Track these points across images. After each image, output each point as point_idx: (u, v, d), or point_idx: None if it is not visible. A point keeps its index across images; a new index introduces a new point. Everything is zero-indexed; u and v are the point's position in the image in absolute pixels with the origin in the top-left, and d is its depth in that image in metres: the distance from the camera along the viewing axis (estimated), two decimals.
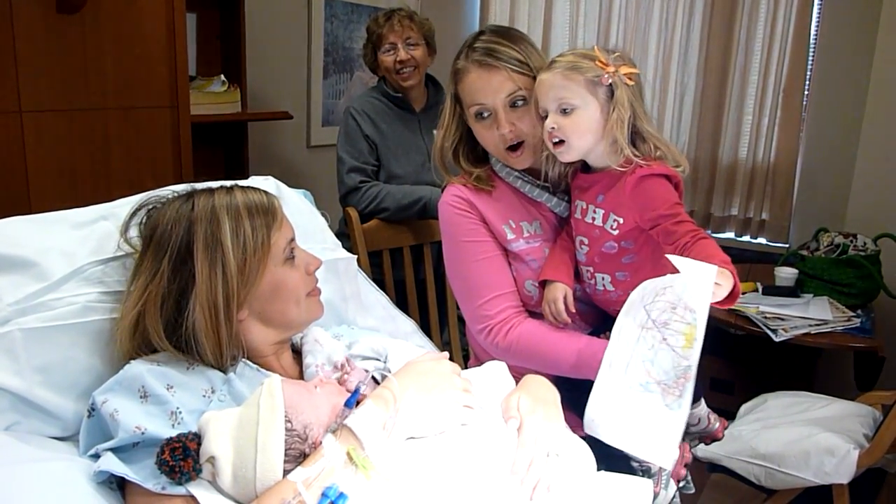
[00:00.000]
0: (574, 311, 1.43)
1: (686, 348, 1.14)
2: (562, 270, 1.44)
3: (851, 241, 2.76)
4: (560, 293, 1.42)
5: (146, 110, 2.16)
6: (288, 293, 1.13)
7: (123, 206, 1.26)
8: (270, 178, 1.50)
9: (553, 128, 1.34)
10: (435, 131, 2.48)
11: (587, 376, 1.37)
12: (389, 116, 2.46)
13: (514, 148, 1.45)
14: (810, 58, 3.18)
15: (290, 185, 1.55)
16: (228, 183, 1.19)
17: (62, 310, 1.12)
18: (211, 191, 1.13)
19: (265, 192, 1.17)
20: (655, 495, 1.34)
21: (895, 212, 2.99)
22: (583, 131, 1.34)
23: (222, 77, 2.62)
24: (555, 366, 1.41)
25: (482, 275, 1.47)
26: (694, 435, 1.56)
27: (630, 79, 1.33)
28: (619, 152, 1.33)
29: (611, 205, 1.37)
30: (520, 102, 1.42)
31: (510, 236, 1.48)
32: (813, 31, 3.17)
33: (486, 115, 1.43)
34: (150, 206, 1.16)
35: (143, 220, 1.15)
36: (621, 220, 1.36)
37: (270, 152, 3.16)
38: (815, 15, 3.15)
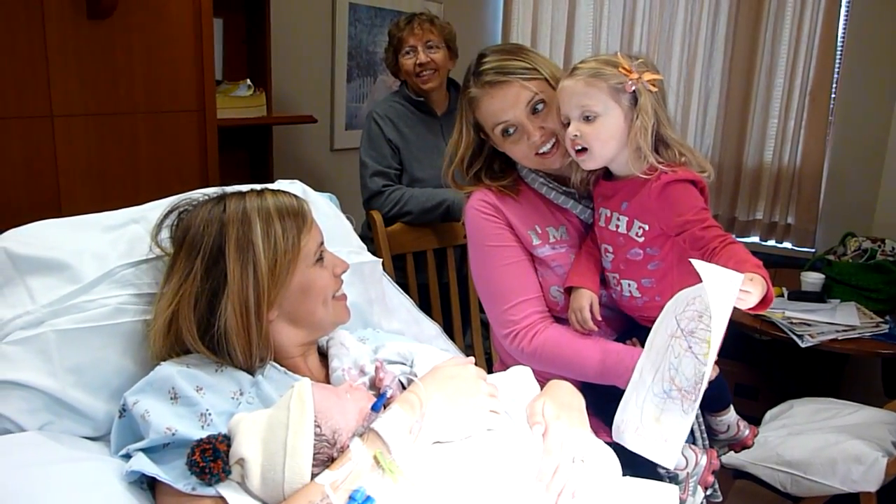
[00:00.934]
0: (600, 318, 1.43)
1: (706, 356, 1.13)
2: (588, 277, 1.44)
3: (880, 247, 2.72)
4: (586, 301, 1.42)
5: (174, 114, 2.19)
6: (317, 294, 1.14)
7: (153, 210, 1.29)
8: (297, 182, 1.52)
9: (576, 135, 1.33)
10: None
11: (611, 382, 1.38)
12: (412, 120, 2.46)
13: (546, 152, 1.44)
14: (837, 59, 3.14)
15: (314, 189, 1.56)
16: (259, 186, 1.21)
17: (94, 311, 1.13)
18: (242, 194, 1.15)
19: (295, 195, 1.18)
20: (682, 502, 1.34)
21: None
22: (606, 139, 1.33)
23: (248, 81, 2.65)
24: (579, 371, 1.41)
25: (508, 280, 1.47)
26: (723, 442, 1.55)
27: (653, 85, 1.32)
28: (643, 159, 1.32)
29: (635, 212, 1.37)
30: (540, 106, 1.43)
31: (535, 241, 1.48)
32: (840, 33, 3.13)
33: (511, 130, 1.44)
34: (182, 209, 1.17)
35: (175, 223, 1.17)
36: (646, 227, 1.36)
37: (295, 156, 3.18)
38: (842, 16, 3.11)
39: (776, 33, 3.24)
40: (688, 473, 1.37)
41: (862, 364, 2.91)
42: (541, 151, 1.44)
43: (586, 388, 1.41)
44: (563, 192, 1.50)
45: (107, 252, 1.20)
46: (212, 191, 1.22)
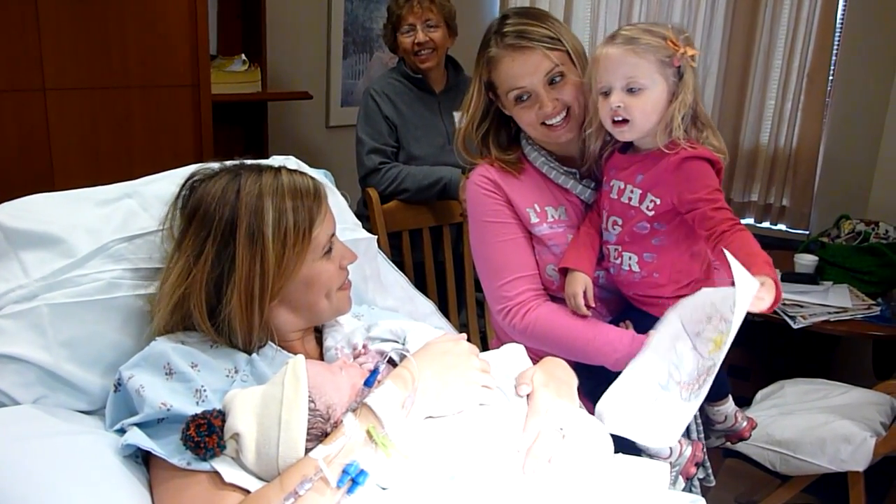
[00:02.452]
0: (594, 304, 1.43)
1: (712, 352, 1.13)
2: (584, 260, 1.43)
3: (874, 229, 2.73)
4: (580, 287, 1.41)
5: (168, 89, 2.18)
6: (321, 286, 1.13)
7: (147, 184, 1.28)
8: (292, 158, 1.51)
9: (619, 106, 1.30)
10: (455, 114, 2.50)
11: (600, 363, 1.39)
12: (409, 98, 2.45)
13: (554, 125, 1.43)
14: (836, 42, 3.12)
15: (309, 166, 1.55)
16: (277, 163, 1.18)
17: (88, 286, 1.13)
18: (259, 171, 1.12)
19: (312, 177, 1.16)
20: None
21: None
22: (649, 112, 1.31)
23: (243, 56, 2.63)
24: (569, 350, 1.42)
25: (504, 256, 1.48)
26: (720, 433, 1.54)
27: (693, 60, 1.30)
28: (669, 133, 1.31)
29: (649, 184, 1.35)
30: (557, 79, 1.41)
31: (534, 220, 1.48)
32: (839, 15, 3.11)
33: (525, 97, 1.42)
34: (196, 179, 1.14)
35: (188, 193, 1.13)
36: (658, 201, 1.34)
37: (290, 132, 3.17)
38: (840, 5, 3.09)
39: (775, 14, 3.21)
40: (670, 463, 1.37)
41: (853, 345, 2.94)
42: (550, 123, 1.43)
43: (580, 371, 1.42)
44: (564, 172, 1.49)
45: (100, 226, 1.19)
46: (229, 162, 1.19)
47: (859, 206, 3.06)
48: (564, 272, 1.46)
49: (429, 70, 2.45)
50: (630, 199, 1.38)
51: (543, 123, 1.43)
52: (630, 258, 1.40)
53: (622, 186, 1.40)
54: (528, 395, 1.13)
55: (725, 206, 1.28)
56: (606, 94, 1.32)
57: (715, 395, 1.50)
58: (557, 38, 1.41)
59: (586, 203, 1.52)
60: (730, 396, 1.51)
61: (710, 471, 1.50)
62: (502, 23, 1.44)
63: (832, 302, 2.47)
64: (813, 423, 2.15)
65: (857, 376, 2.59)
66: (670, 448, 1.42)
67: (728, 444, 1.59)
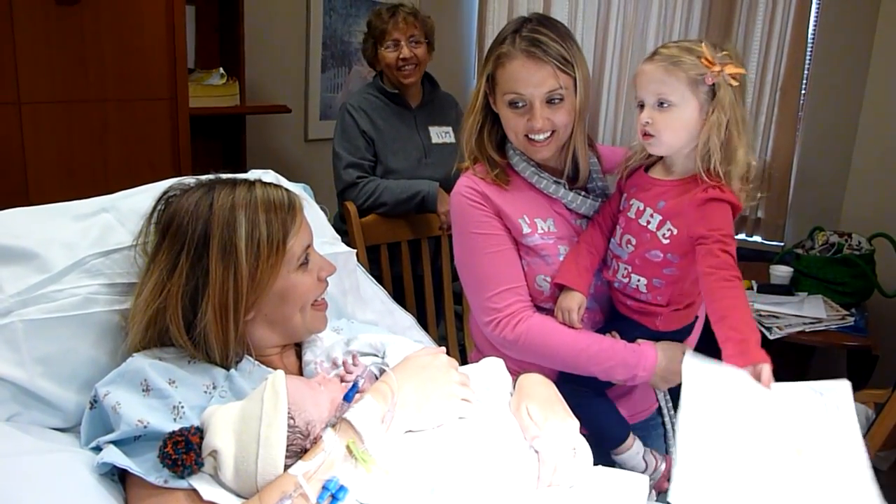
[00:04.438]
0: (584, 319, 1.45)
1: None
2: (582, 279, 1.44)
3: (846, 241, 2.77)
4: (575, 304, 1.42)
5: (145, 102, 2.16)
6: (296, 299, 1.13)
7: (124, 199, 1.27)
8: (270, 172, 1.51)
9: (647, 122, 1.31)
10: (432, 128, 2.51)
11: (592, 373, 1.40)
12: (386, 112, 2.46)
13: (536, 140, 1.43)
14: (808, 57, 3.18)
15: (288, 179, 1.55)
16: (253, 177, 1.18)
17: (63, 301, 1.12)
18: (233, 185, 1.12)
19: (288, 190, 1.16)
20: None
21: (890, 211, 3.01)
22: (676, 129, 1.30)
23: (221, 70, 2.62)
24: (562, 361, 1.43)
25: (492, 267, 1.47)
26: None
27: (735, 79, 1.28)
28: (708, 160, 1.30)
29: (670, 213, 1.35)
30: (556, 100, 1.41)
31: (526, 230, 1.47)
32: (811, 30, 3.17)
33: (520, 104, 1.42)
34: (171, 194, 1.14)
35: (162, 207, 1.13)
36: (675, 231, 1.34)
37: (268, 146, 3.16)
38: (813, 14, 3.15)
39: (748, 29, 3.27)
40: (648, 476, 1.39)
41: (828, 356, 2.97)
42: (532, 137, 1.43)
43: (564, 378, 1.44)
44: (554, 182, 1.49)
45: (77, 241, 1.18)
46: (205, 178, 1.19)
47: (832, 218, 3.11)
48: (560, 287, 1.46)
49: (410, 85, 2.46)
50: (648, 222, 1.37)
51: (527, 136, 1.43)
52: (639, 280, 1.41)
53: (641, 208, 1.39)
54: (515, 412, 1.13)
55: (733, 254, 1.28)
56: (641, 107, 1.34)
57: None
58: (570, 62, 1.40)
59: (575, 213, 1.52)
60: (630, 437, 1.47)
61: None
62: (524, 25, 1.43)
63: (807, 313, 2.50)
64: None
65: None
66: (646, 462, 1.44)
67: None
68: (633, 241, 1.40)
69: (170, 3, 2.14)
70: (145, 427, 0.95)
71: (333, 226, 1.61)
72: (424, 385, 1.05)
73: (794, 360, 2.91)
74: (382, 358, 1.19)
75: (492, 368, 1.24)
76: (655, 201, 1.37)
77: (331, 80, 3.40)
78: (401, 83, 2.44)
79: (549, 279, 1.47)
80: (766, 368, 1.12)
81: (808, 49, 3.18)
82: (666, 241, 1.35)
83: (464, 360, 1.60)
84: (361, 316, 1.52)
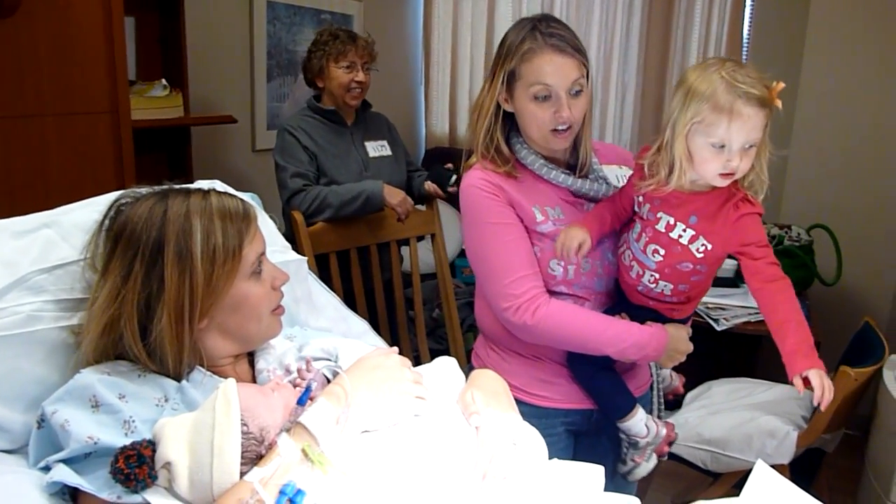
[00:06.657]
0: (580, 259, 1.50)
1: None
2: (594, 226, 1.49)
3: (786, 233, 2.87)
4: (576, 242, 1.46)
5: (85, 116, 2.12)
6: (250, 309, 1.12)
7: (66, 214, 1.24)
8: (217, 182, 1.49)
9: (736, 167, 1.30)
10: (368, 143, 2.60)
11: (607, 353, 1.48)
12: (324, 130, 2.54)
13: (560, 130, 1.49)
14: (744, 55, 3.29)
15: (236, 189, 1.54)
16: (206, 186, 1.17)
17: (5, 320, 1.09)
18: (187, 193, 1.11)
19: (241, 199, 1.15)
20: (636, 465, 1.58)
21: (827, 203, 3.12)
22: (751, 163, 1.33)
23: (164, 81, 2.58)
24: (578, 345, 1.50)
25: (510, 255, 1.51)
26: (664, 395, 1.72)
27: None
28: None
29: (704, 229, 1.37)
30: (577, 90, 1.48)
31: (539, 218, 1.53)
32: (745, 32, 3.28)
33: (546, 97, 1.47)
34: (122, 202, 1.12)
35: (113, 215, 1.11)
36: (710, 247, 1.38)
37: (215, 157, 3.12)
38: (747, 17, 3.26)
39: (687, 32, 3.37)
40: (648, 442, 1.55)
41: (774, 344, 3.05)
42: (557, 128, 1.48)
43: (575, 359, 1.54)
44: (561, 172, 1.56)
45: (17, 258, 1.15)
46: (156, 187, 1.17)
47: (772, 211, 3.21)
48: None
49: (353, 107, 2.56)
50: (680, 237, 1.40)
51: (553, 129, 1.49)
52: (666, 286, 1.46)
53: (672, 222, 1.41)
54: (459, 398, 1.15)
55: (775, 260, 1.36)
56: (721, 147, 1.29)
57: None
58: (586, 57, 1.50)
59: (582, 198, 1.58)
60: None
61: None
62: (545, 23, 1.49)
63: (752, 303, 2.57)
64: (739, 420, 2.24)
65: (779, 374, 2.68)
66: (647, 428, 1.55)
67: (667, 399, 1.75)
68: (662, 252, 1.43)
69: (108, 14, 2.10)
70: (95, 443, 0.94)
71: (283, 235, 1.61)
72: (378, 385, 1.05)
73: (742, 349, 3.00)
74: (335, 361, 1.19)
75: (444, 367, 1.25)
76: (687, 217, 1.40)
77: (277, 90, 3.38)
78: (345, 103, 2.53)
79: (561, 263, 1.52)
80: (821, 374, 1.30)
81: (744, 49, 3.29)
82: (700, 255, 1.40)
83: (416, 363, 1.61)
84: (315, 323, 1.51)
